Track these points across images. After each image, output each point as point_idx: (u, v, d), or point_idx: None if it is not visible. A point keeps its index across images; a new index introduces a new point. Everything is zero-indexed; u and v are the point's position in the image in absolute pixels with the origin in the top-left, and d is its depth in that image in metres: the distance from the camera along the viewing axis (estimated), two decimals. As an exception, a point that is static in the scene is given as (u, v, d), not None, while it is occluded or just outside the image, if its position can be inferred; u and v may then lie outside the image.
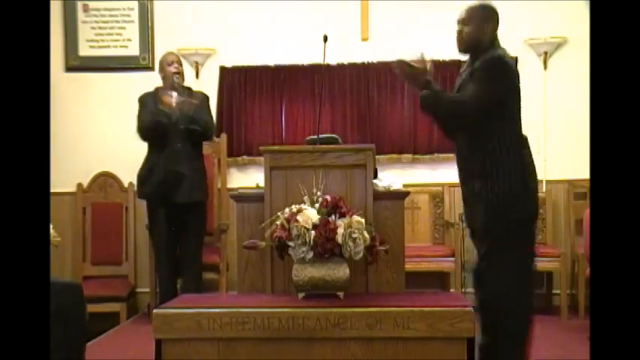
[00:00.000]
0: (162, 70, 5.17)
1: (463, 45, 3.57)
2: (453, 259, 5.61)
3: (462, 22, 3.55)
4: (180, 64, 5.17)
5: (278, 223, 3.04)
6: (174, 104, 4.96)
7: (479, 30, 3.50)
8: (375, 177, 3.47)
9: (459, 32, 3.55)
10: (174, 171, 4.94)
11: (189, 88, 5.24)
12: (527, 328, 3.36)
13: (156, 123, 4.93)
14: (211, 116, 5.22)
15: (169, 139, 4.95)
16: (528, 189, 3.41)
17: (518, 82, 3.53)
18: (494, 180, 3.36)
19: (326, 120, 5.98)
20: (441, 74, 5.95)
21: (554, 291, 5.85)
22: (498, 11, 3.54)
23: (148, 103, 5.10)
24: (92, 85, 6.23)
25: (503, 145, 3.40)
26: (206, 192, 5.14)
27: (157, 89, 5.18)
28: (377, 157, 4.37)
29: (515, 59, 6.00)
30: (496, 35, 3.54)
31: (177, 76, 5.11)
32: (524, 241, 3.39)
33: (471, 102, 3.36)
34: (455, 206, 6.00)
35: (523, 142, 3.51)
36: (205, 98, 5.22)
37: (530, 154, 3.50)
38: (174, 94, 5.02)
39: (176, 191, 4.96)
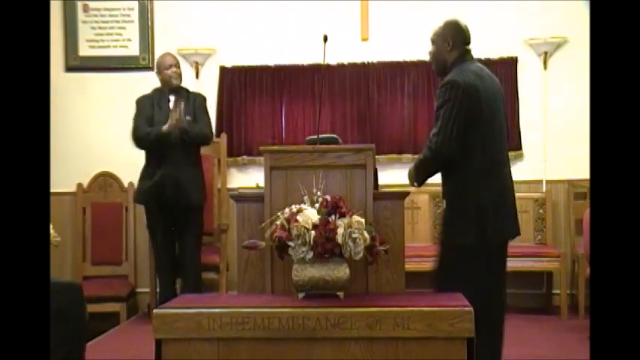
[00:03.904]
0: (159, 72, 5.17)
1: (433, 66, 3.62)
2: (452, 259, 5.60)
3: (430, 41, 3.58)
4: (178, 67, 5.16)
5: (278, 223, 3.04)
6: (168, 108, 4.98)
7: (441, 49, 3.51)
8: (376, 177, 3.48)
9: (429, 52, 3.60)
10: (172, 176, 4.95)
11: (186, 90, 5.24)
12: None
13: (155, 143, 4.96)
14: (209, 119, 5.23)
15: (167, 143, 4.94)
16: (473, 214, 3.37)
17: (473, 101, 3.38)
18: (448, 204, 3.47)
19: (326, 120, 5.99)
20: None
21: (554, 291, 5.86)
22: (461, 25, 3.53)
23: (145, 107, 5.10)
24: (92, 85, 6.23)
25: (459, 171, 3.41)
26: (203, 196, 5.15)
27: (155, 91, 5.18)
28: (377, 157, 4.37)
29: (515, 59, 6.02)
30: (464, 50, 3.50)
31: (176, 79, 5.09)
32: (465, 269, 3.35)
33: (438, 145, 3.36)
34: (455, 206, 6.00)
35: (483, 166, 3.41)
36: (203, 100, 5.23)
37: (490, 178, 3.41)
38: (172, 97, 5.03)
39: (173, 196, 4.96)
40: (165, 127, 4.91)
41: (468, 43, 3.56)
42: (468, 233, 3.38)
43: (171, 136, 4.92)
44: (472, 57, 3.56)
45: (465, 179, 3.41)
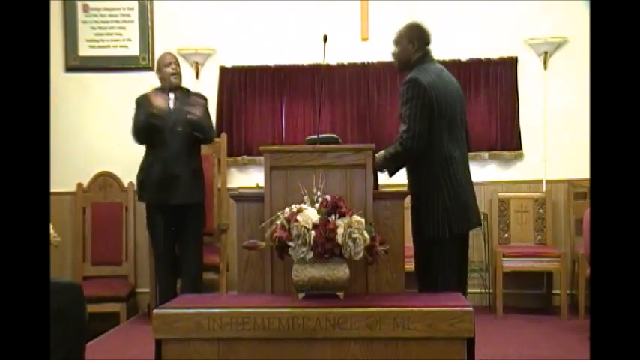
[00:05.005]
0: (159, 70, 5.17)
1: (396, 64, 3.88)
2: (453, 259, 5.60)
3: (393, 43, 3.84)
4: (178, 65, 5.16)
5: (278, 223, 3.04)
6: (168, 106, 5.00)
7: (404, 49, 3.77)
8: (376, 177, 3.48)
9: (392, 53, 3.86)
10: (171, 173, 4.94)
11: (187, 89, 5.23)
12: None
13: (148, 125, 4.94)
14: (211, 119, 5.23)
15: (166, 140, 4.94)
16: (441, 210, 3.59)
17: (434, 100, 3.60)
18: (414, 199, 3.68)
19: (326, 120, 5.98)
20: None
21: (554, 291, 5.86)
22: (424, 27, 3.78)
23: (144, 105, 5.10)
24: (92, 85, 6.23)
25: (424, 166, 3.61)
26: (203, 193, 5.14)
27: (154, 90, 5.17)
28: (377, 157, 4.37)
29: (515, 59, 6.02)
30: (426, 50, 3.77)
31: (174, 77, 5.10)
32: (437, 260, 3.59)
33: (409, 142, 3.54)
34: (455, 206, 6.00)
35: (446, 162, 3.63)
36: (205, 102, 5.22)
37: (454, 174, 3.63)
38: (172, 95, 5.03)
39: (173, 194, 4.96)
40: (155, 110, 4.90)
41: (429, 43, 3.80)
42: (437, 228, 3.58)
43: (177, 127, 4.91)
44: (433, 58, 3.80)
45: (430, 174, 3.60)
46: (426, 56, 3.75)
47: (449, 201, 3.61)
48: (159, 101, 4.96)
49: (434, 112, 3.58)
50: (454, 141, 3.67)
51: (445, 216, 3.59)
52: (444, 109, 3.62)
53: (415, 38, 3.75)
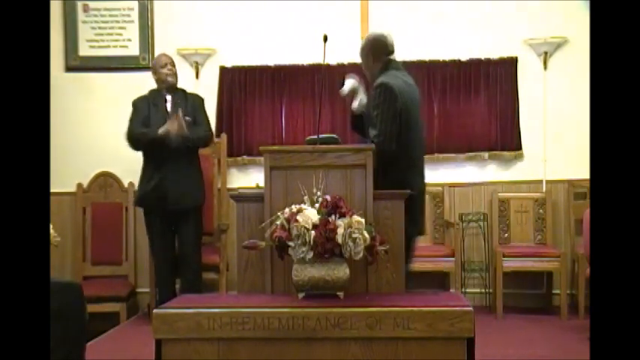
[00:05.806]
0: (155, 72, 5.17)
1: (367, 76, 3.95)
2: (453, 259, 5.61)
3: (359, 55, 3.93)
4: (173, 65, 5.17)
5: (278, 223, 3.04)
6: (166, 110, 5.01)
7: (366, 61, 3.89)
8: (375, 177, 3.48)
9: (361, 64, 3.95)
10: (171, 177, 4.94)
11: (184, 90, 5.24)
12: None
13: (150, 144, 4.96)
14: (208, 120, 5.23)
15: (166, 146, 4.93)
16: (418, 209, 3.66)
17: (403, 106, 3.67)
18: None
19: (326, 120, 5.98)
20: (440, 74, 5.97)
21: (554, 291, 5.86)
22: (381, 38, 3.84)
23: (141, 108, 5.11)
24: (92, 85, 6.22)
25: (391, 169, 3.59)
26: (202, 197, 5.14)
27: (151, 92, 5.18)
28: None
29: (515, 59, 6.02)
30: (386, 60, 3.83)
31: (171, 78, 5.10)
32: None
33: (380, 146, 3.53)
34: (455, 206, 6.00)
35: (411, 165, 3.72)
36: (201, 102, 5.23)
37: (415, 178, 3.72)
38: (169, 97, 5.04)
39: (174, 198, 4.96)
40: (161, 130, 4.90)
41: (390, 53, 3.86)
42: (416, 223, 3.63)
43: (167, 139, 4.90)
44: (397, 65, 3.87)
45: (397, 176, 3.60)
46: (387, 65, 3.82)
47: (421, 201, 3.73)
48: (168, 124, 4.92)
49: (403, 117, 3.65)
50: (419, 145, 3.81)
51: (420, 214, 3.71)
52: (412, 114, 3.72)
53: (371, 51, 3.84)
